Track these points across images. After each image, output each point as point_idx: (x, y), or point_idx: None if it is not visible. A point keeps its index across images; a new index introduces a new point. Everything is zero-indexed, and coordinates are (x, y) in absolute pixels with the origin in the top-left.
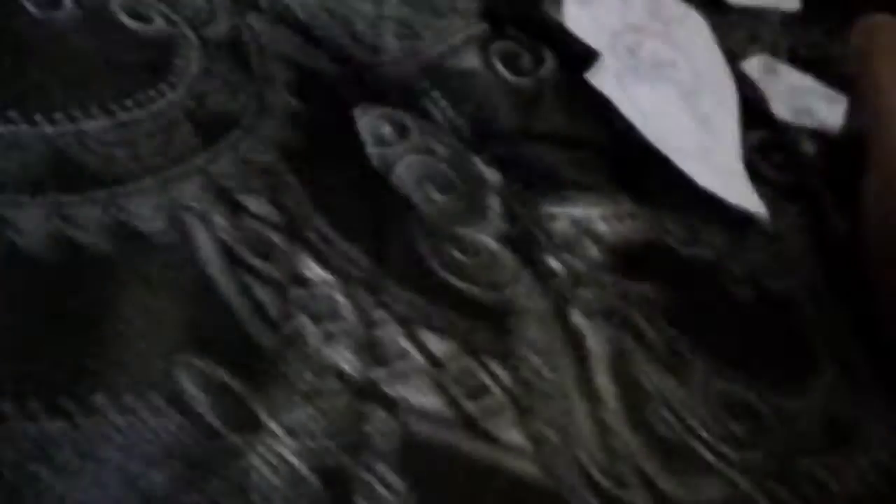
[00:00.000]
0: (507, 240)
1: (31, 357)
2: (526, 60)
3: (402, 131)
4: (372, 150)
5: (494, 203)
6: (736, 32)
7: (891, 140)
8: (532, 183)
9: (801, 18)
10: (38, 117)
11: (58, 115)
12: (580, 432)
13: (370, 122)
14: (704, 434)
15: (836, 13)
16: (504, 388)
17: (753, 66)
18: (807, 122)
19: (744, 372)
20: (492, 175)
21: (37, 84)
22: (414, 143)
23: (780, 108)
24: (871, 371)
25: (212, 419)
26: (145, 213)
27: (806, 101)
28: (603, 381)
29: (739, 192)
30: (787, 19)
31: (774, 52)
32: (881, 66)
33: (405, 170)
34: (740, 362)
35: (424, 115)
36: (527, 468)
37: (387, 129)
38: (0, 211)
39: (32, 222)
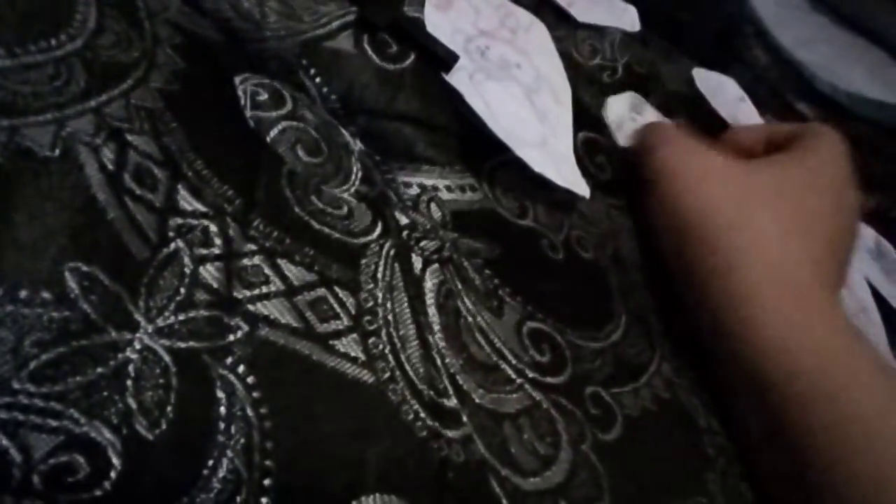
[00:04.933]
0: (363, 197)
1: None
2: (393, 49)
3: (278, 99)
4: (249, 112)
5: (356, 167)
6: (581, 45)
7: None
8: (389, 154)
9: (640, 38)
10: None
11: None
12: (409, 351)
13: (249, 88)
14: (513, 360)
15: (669, 37)
16: (350, 315)
17: (623, 101)
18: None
19: (552, 316)
20: (355, 144)
21: None
22: (288, 111)
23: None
24: (665, 324)
25: (95, 315)
26: (42, 140)
27: None
28: (432, 311)
29: (568, 177)
30: (627, 38)
31: (613, 65)
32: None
33: (278, 133)
34: (550, 309)
35: (299, 87)
36: (362, 375)
37: (264, 96)
38: None
39: None
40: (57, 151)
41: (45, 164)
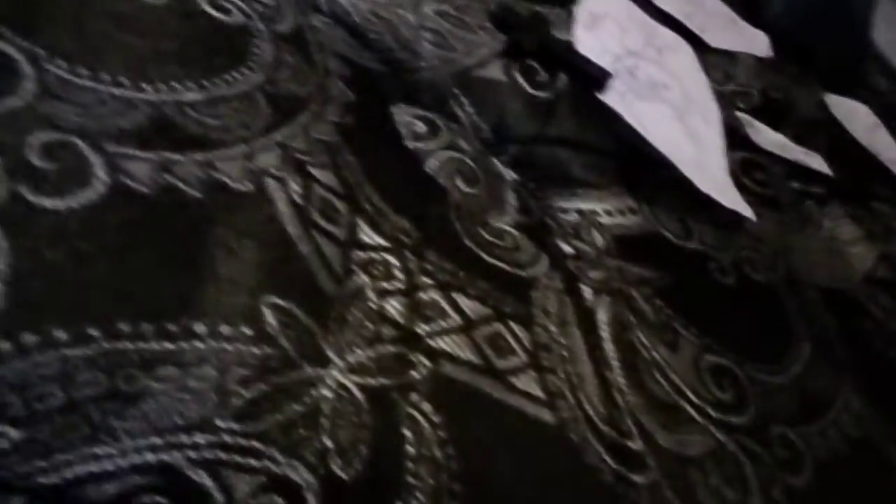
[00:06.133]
0: (523, 228)
1: (145, 285)
2: (543, 76)
3: (433, 129)
4: (408, 142)
5: (511, 197)
6: (714, 71)
7: None
8: (544, 181)
9: (772, 64)
10: (144, 85)
11: (160, 85)
12: (588, 389)
13: (406, 119)
14: (693, 397)
15: (801, 62)
16: (526, 350)
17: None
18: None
19: (730, 348)
20: (508, 173)
21: (140, 57)
22: (443, 140)
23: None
24: (847, 348)
25: (292, 351)
26: (234, 174)
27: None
28: (608, 347)
29: (730, 198)
30: (759, 63)
31: (747, 91)
32: None
33: (437, 163)
34: (727, 341)
35: (452, 118)
36: (543, 415)
37: (421, 127)
38: (119, 162)
39: (142, 171)
40: (248, 185)
41: (239, 199)
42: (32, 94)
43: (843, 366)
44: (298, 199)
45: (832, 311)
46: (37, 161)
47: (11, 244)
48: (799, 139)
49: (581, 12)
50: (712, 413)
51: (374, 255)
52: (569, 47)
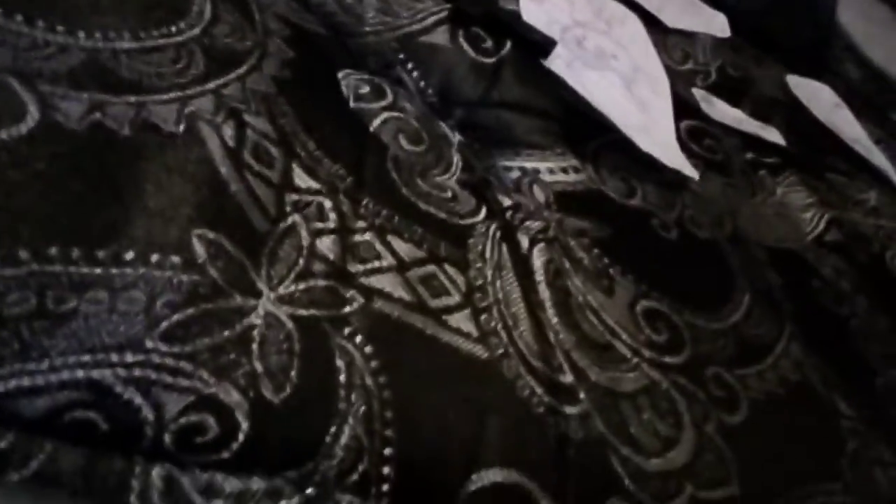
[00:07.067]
0: (465, 184)
1: (74, 214)
2: (488, 43)
3: (379, 92)
4: (353, 104)
5: (456, 157)
6: (672, 50)
7: None
8: (489, 142)
9: (731, 44)
10: (80, 32)
11: (97, 34)
12: (521, 328)
13: (352, 82)
14: (627, 338)
15: (759, 43)
16: (461, 291)
17: (695, 95)
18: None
19: (668, 296)
20: (454, 136)
21: (77, 5)
22: (389, 102)
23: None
24: (791, 301)
25: (221, 280)
26: (168, 117)
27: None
28: (542, 289)
29: (674, 159)
30: (718, 43)
31: (706, 69)
32: None
33: (381, 123)
34: (665, 288)
35: (398, 82)
36: (476, 350)
37: (365, 89)
38: (51, 100)
39: (73, 109)
40: (181, 127)
41: (171, 139)
42: None
43: (785, 316)
44: (231, 143)
45: (778, 268)
46: None
47: None
48: (756, 115)
49: None
50: (646, 353)
51: (307, 197)
52: (514, 16)
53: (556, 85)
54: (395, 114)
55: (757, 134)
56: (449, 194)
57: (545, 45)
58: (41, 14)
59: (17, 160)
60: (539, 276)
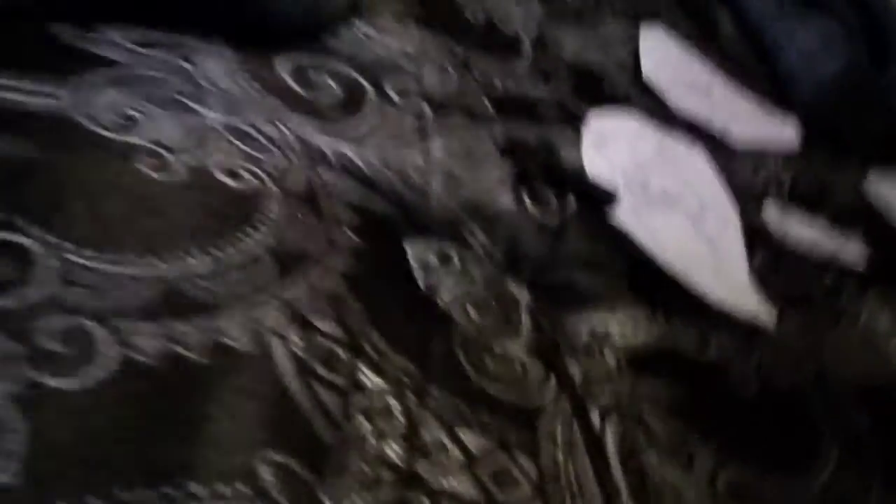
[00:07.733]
0: (534, 350)
1: (142, 450)
2: (552, 203)
3: (444, 259)
4: (419, 274)
5: (525, 319)
6: (743, 165)
7: None
8: (558, 301)
9: (803, 149)
10: (154, 261)
11: (167, 256)
12: None
13: (418, 252)
14: None
15: (832, 137)
16: (531, 480)
17: (770, 212)
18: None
19: (750, 461)
20: (523, 296)
21: (149, 232)
22: (455, 269)
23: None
24: (880, 446)
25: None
26: (235, 333)
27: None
28: (617, 474)
29: (748, 303)
30: (790, 151)
31: (778, 182)
32: None
33: (447, 291)
34: (745, 454)
35: (464, 245)
36: None
37: (431, 257)
38: (123, 336)
39: (149, 344)
40: (251, 345)
41: (242, 360)
42: (47, 282)
43: (874, 465)
44: (299, 353)
45: (866, 409)
46: (52, 346)
47: (27, 427)
48: (835, 225)
49: (588, 133)
50: None
51: (374, 398)
52: (575, 170)
53: (622, 239)
54: (464, 283)
55: (836, 253)
56: (518, 369)
57: (607, 200)
58: (116, 249)
59: (96, 407)
60: (612, 458)
